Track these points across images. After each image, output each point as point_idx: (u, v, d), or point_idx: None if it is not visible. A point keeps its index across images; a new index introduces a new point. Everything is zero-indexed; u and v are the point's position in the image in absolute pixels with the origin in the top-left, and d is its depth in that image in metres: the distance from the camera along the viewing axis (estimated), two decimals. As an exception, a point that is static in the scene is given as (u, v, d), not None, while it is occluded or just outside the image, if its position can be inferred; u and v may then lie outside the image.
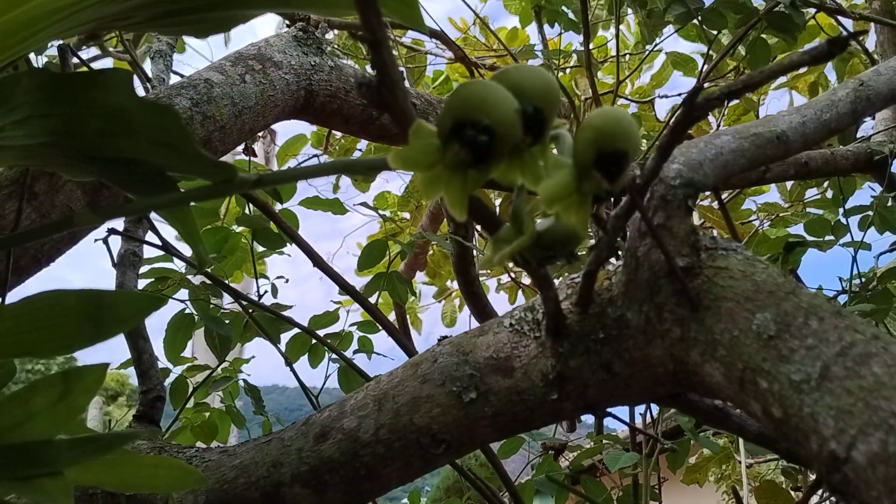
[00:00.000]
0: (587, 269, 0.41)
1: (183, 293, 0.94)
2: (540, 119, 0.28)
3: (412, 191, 2.11)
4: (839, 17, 1.44)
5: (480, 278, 2.14)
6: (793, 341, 0.31)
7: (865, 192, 1.45)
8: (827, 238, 1.27)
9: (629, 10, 1.74)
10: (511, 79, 0.28)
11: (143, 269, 0.88)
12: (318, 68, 0.79)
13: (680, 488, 1.69)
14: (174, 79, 0.98)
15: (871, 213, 1.26)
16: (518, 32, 2.21)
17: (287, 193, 0.97)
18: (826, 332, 0.30)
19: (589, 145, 0.29)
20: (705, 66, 1.48)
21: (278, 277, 1.09)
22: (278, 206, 0.99)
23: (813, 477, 1.09)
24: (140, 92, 0.89)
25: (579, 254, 0.32)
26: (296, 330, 1.03)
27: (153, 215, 0.76)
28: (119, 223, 0.84)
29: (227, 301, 1.09)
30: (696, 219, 2.05)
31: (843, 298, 1.19)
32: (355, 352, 1.12)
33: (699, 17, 1.27)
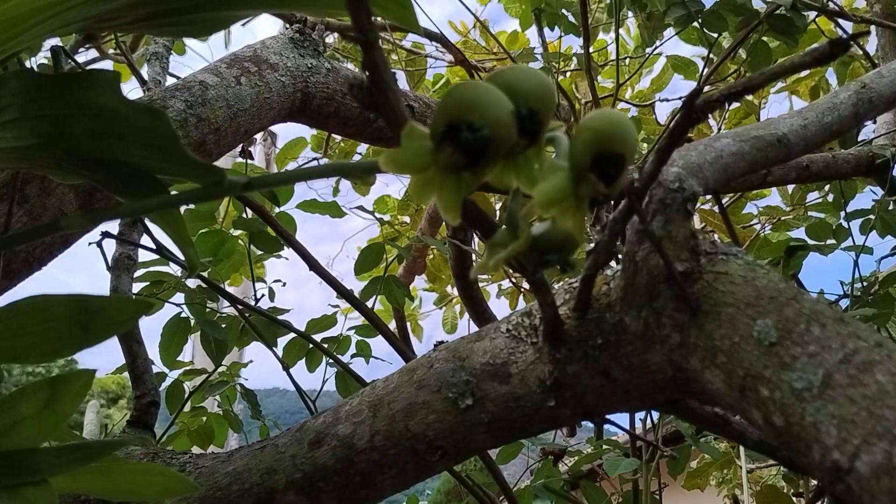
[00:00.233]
0: (585, 273, 0.40)
1: (179, 297, 0.93)
2: (535, 121, 0.28)
3: (412, 194, 2.10)
4: (840, 20, 1.44)
5: (481, 284, 2.13)
6: (794, 348, 0.30)
7: (867, 196, 1.44)
8: (828, 242, 1.26)
9: (629, 14, 1.73)
10: (505, 80, 0.28)
11: (139, 273, 0.87)
12: (315, 70, 0.78)
13: (681, 493, 1.69)
14: (170, 81, 0.98)
15: (872, 216, 1.25)
16: (518, 36, 2.21)
17: (284, 197, 0.97)
18: (828, 338, 0.29)
19: (586, 148, 0.28)
20: (706, 70, 1.48)
21: (275, 281, 1.08)
22: (277, 210, 0.98)
23: (815, 483, 1.08)
24: (139, 94, 0.88)
25: (575, 259, 0.31)
26: (294, 333, 1.02)
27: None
28: (114, 227, 0.84)
29: (225, 305, 1.08)
30: (697, 223, 2.05)
31: (844, 303, 1.19)
32: (353, 356, 1.11)
33: (699, 20, 1.27)
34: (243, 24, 1.97)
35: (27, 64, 0.74)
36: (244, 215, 0.96)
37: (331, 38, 2.10)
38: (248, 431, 1.27)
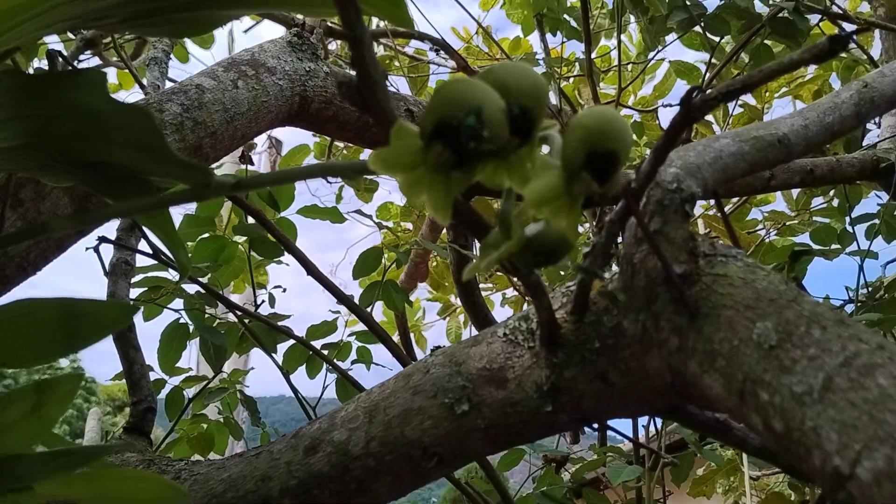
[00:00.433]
0: (581, 276, 0.40)
1: (178, 303, 0.93)
2: (527, 119, 0.27)
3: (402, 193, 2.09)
4: (844, 23, 1.43)
5: (486, 293, 2.12)
6: (795, 351, 0.29)
7: (872, 201, 1.43)
8: (833, 247, 1.25)
9: (632, 19, 1.73)
10: (496, 77, 0.27)
11: (137, 278, 0.87)
12: (313, 74, 0.78)
13: (687, 500, 1.67)
14: (169, 86, 0.98)
15: (877, 221, 1.24)
16: (521, 42, 2.21)
17: (284, 202, 0.96)
18: (829, 341, 0.28)
19: (579, 145, 0.28)
20: (708, 74, 1.47)
21: (276, 287, 1.08)
22: (278, 215, 0.98)
23: (820, 491, 1.07)
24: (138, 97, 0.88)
25: (570, 262, 0.31)
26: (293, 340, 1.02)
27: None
28: (112, 231, 0.84)
29: (224, 310, 1.08)
30: (701, 228, 2.04)
31: (849, 308, 1.18)
32: (354, 362, 1.11)
33: (702, 24, 1.26)
34: (245, 32, 1.97)
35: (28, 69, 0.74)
36: (245, 221, 0.95)
37: (333, 45, 2.10)
38: (251, 439, 1.26)
